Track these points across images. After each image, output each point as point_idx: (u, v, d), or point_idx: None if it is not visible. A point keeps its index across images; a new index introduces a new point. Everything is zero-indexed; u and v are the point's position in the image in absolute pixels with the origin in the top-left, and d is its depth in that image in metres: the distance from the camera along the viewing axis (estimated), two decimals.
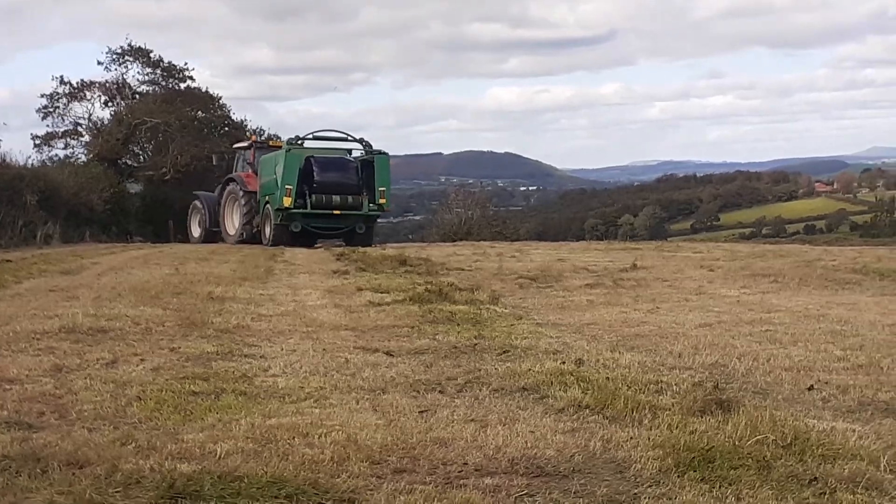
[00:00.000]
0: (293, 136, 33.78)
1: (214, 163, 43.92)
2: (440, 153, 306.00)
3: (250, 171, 36.01)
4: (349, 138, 35.13)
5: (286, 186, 32.07)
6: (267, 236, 33.46)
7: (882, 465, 5.79)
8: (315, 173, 32.61)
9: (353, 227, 33.55)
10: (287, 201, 32.00)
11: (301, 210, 32.39)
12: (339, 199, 32.80)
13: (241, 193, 35.31)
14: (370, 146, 34.73)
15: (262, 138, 40.80)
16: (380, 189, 33.51)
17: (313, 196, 32.41)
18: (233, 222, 35.96)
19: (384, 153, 34.63)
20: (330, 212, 32.81)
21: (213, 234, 37.17)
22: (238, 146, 39.34)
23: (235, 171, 37.73)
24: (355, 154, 35.35)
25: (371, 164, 33.90)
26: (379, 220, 36.98)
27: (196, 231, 39.01)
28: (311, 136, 34.46)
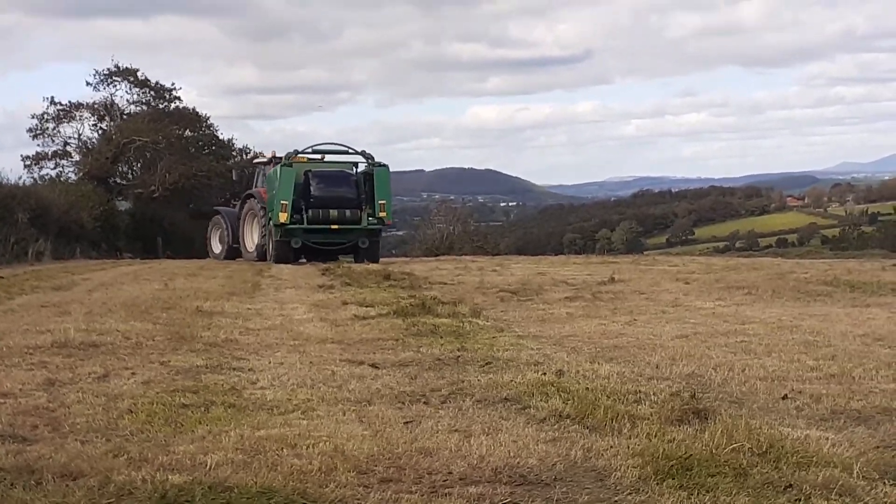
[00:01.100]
0: (291, 151, 32.38)
1: (234, 178, 43.06)
2: (422, 170, 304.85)
3: None
4: (350, 151, 33.62)
5: (282, 202, 30.74)
6: (269, 253, 32.05)
7: (855, 472, 5.80)
8: (312, 188, 31.50)
9: (355, 241, 32.08)
10: (283, 217, 30.64)
11: (298, 225, 31.10)
12: (336, 214, 31.45)
13: (259, 209, 33.48)
14: (372, 158, 33.19)
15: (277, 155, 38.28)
16: (380, 202, 31.88)
17: (310, 211, 31.25)
18: (252, 238, 34.27)
19: (384, 165, 33.09)
20: (328, 226, 31.48)
21: (236, 250, 35.36)
22: (258, 161, 37.64)
23: (255, 186, 35.88)
24: (361, 167, 33.71)
25: (371, 176, 32.57)
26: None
27: (217, 247, 36.86)
28: (310, 150, 33.08)
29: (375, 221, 32.04)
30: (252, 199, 34.45)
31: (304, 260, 31.70)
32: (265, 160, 35.61)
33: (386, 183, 32.47)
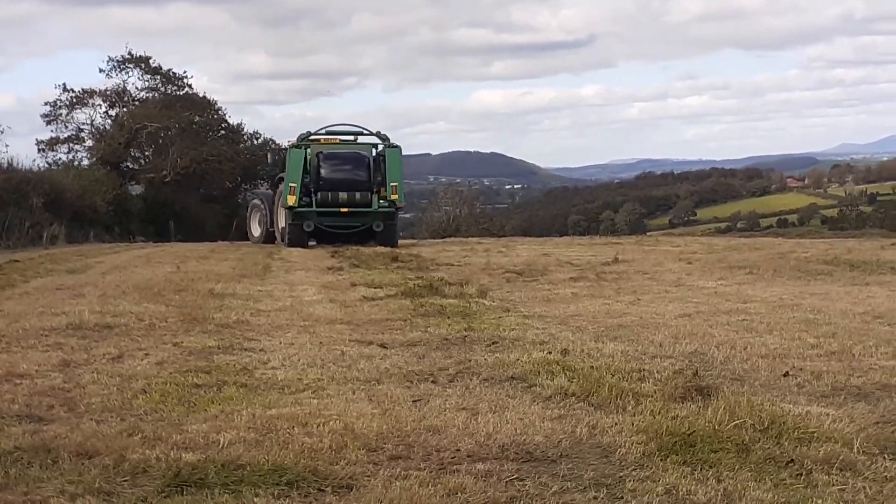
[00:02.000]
0: (304, 132, 31.22)
1: (269, 161, 41.85)
2: (429, 153, 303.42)
3: None
4: (364, 132, 32.16)
5: (290, 184, 29.48)
6: (284, 236, 30.88)
7: (855, 448, 5.81)
8: (323, 170, 29.93)
9: (370, 224, 30.11)
10: (291, 199, 29.40)
11: (307, 208, 29.67)
12: (346, 197, 29.71)
13: None
14: (387, 139, 31.52)
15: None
16: (391, 184, 29.91)
17: (319, 193, 29.72)
18: (282, 222, 32.10)
19: (396, 146, 31.09)
20: (338, 209, 29.83)
21: (272, 234, 33.37)
22: (293, 144, 36.54)
23: None
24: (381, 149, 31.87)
25: (384, 158, 30.76)
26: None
27: (256, 231, 34.72)
28: (323, 131, 31.87)
29: (386, 204, 30.23)
30: (283, 182, 32.18)
31: (300, 246, 29.73)
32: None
33: (398, 164, 30.65)
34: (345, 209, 29.90)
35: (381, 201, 30.01)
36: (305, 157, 30.05)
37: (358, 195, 29.89)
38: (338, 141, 32.01)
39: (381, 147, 31.49)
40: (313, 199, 29.76)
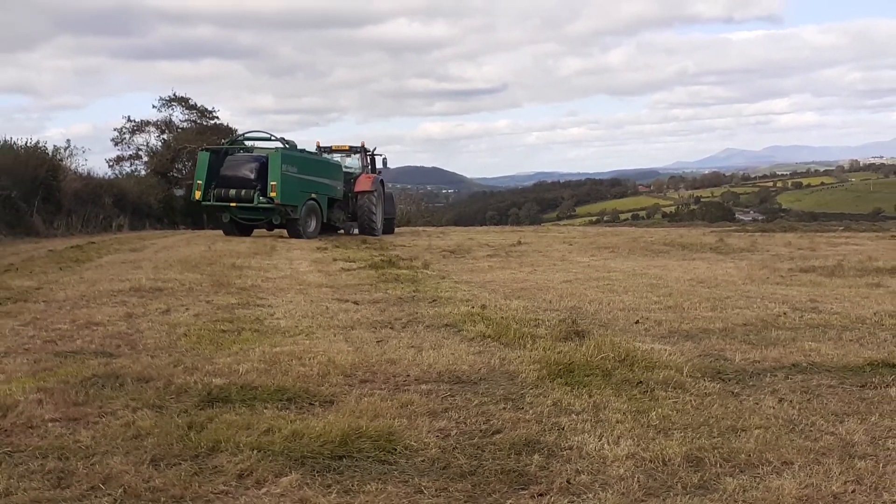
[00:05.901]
0: (230, 137, 26.55)
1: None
2: (388, 168, 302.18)
3: None
4: (271, 138, 26.57)
5: (197, 181, 25.12)
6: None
7: (684, 373, 5.89)
8: (222, 170, 25.01)
9: (270, 218, 25.33)
10: (198, 195, 25.02)
11: (208, 203, 25.11)
12: (234, 193, 24.55)
13: None
14: (287, 146, 25.52)
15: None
16: (271, 183, 24.20)
17: (214, 190, 24.75)
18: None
19: (278, 150, 24.86)
20: (227, 204, 24.83)
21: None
22: (200, 148, 29.89)
23: None
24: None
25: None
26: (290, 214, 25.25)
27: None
28: (241, 137, 27.59)
29: (265, 200, 24.45)
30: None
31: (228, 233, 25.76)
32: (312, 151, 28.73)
33: (278, 166, 24.34)
34: (233, 204, 25.07)
35: (261, 198, 24.74)
36: (210, 160, 25.42)
37: (242, 192, 24.90)
38: (280, 145, 26.10)
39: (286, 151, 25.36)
40: (212, 194, 25.19)
